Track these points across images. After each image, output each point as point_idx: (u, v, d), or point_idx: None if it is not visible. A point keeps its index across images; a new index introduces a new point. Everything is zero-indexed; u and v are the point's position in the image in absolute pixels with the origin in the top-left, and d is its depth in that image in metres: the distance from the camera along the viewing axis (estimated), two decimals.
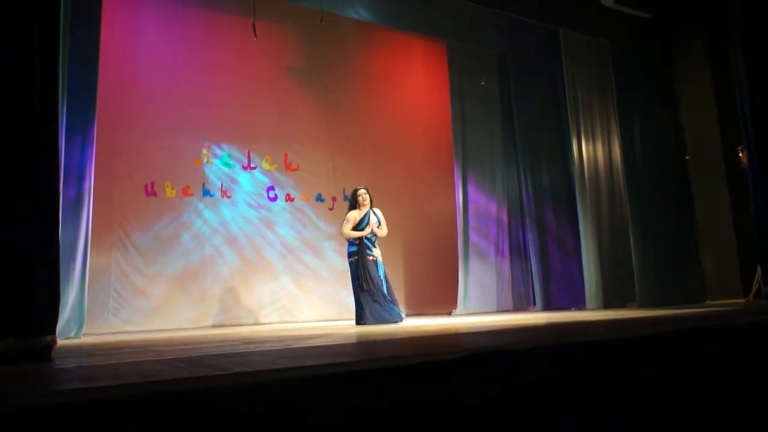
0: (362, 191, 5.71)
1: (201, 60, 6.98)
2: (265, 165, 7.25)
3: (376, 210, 5.75)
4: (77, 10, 4.92)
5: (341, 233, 5.79)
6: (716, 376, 2.31)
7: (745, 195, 5.36)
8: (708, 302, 6.77)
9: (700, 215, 7.31)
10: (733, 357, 2.41)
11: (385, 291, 5.51)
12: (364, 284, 5.45)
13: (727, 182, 7.13)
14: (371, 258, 5.55)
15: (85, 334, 5.07)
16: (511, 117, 8.10)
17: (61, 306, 3.20)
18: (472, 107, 8.16)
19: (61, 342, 3.11)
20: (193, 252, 6.65)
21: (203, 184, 6.83)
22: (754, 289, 6.29)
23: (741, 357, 2.43)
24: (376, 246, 5.66)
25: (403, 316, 5.64)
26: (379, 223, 5.68)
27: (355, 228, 5.62)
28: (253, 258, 6.99)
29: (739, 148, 6.17)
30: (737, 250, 6.99)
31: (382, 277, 5.55)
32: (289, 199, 7.35)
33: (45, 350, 2.53)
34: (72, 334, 4.86)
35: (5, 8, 2.62)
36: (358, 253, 5.56)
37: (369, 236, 5.59)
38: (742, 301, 6.58)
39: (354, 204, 5.72)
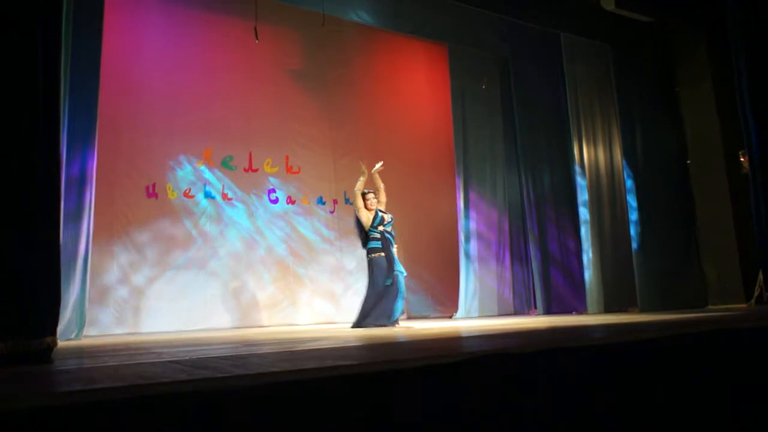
0: (371, 194, 5.62)
1: (203, 62, 6.99)
2: (267, 167, 7.26)
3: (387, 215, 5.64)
4: (79, 13, 4.93)
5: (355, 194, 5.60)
6: (718, 381, 2.30)
7: (746, 200, 5.35)
8: (709, 307, 6.75)
9: (702, 220, 7.30)
10: (735, 362, 2.40)
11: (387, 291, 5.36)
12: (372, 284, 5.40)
13: (729, 187, 7.12)
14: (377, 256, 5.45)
15: (85, 336, 5.07)
16: (512, 120, 8.11)
17: (62, 307, 3.20)
18: (474, 110, 8.17)
19: (61, 343, 3.11)
20: (194, 254, 6.65)
21: (204, 186, 6.84)
22: (756, 294, 6.29)
23: (743, 362, 2.42)
24: (393, 244, 5.54)
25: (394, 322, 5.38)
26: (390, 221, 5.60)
27: (371, 226, 5.51)
28: (253, 261, 6.99)
29: (740, 152, 6.16)
30: (739, 256, 6.97)
31: (396, 274, 5.38)
32: (290, 201, 7.35)
33: (45, 351, 2.53)
34: (73, 336, 4.86)
35: (8, 11, 2.63)
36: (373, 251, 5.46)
37: (387, 231, 5.50)
38: (743, 306, 6.57)
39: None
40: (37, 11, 2.72)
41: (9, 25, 2.63)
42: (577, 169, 7.33)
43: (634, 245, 6.88)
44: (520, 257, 8.25)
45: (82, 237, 5.02)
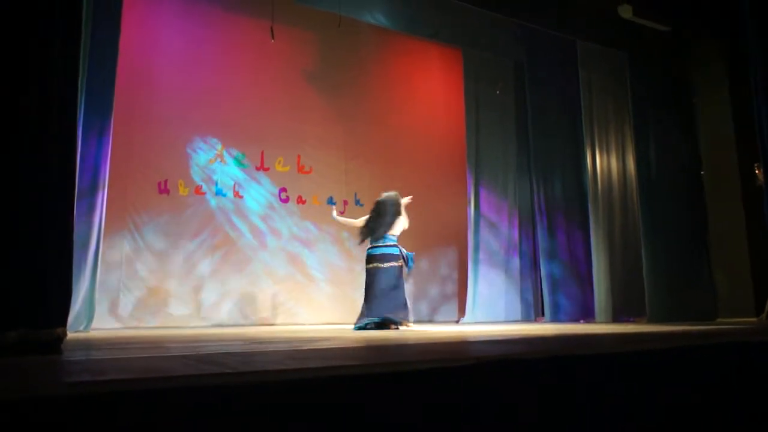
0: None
1: (218, 60, 7.04)
2: (278, 167, 7.28)
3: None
4: (98, 7, 4.98)
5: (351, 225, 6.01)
6: (726, 394, 2.28)
7: (760, 212, 5.31)
8: (719, 320, 6.68)
9: (714, 231, 7.23)
10: (744, 376, 2.38)
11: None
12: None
13: (743, 199, 7.06)
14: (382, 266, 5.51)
15: (93, 329, 5.11)
16: (525, 126, 8.08)
17: (72, 299, 3.23)
18: (487, 115, 8.16)
19: (70, 335, 3.14)
20: (203, 251, 6.69)
21: (216, 184, 6.88)
22: (767, 308, 6.22)
23: (752, 376, 2.40)
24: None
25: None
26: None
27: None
28: (262, 259, 7.01)
29: (755, 165, 6.11)
30: (751, 268, 6.90)
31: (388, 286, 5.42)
32: (300, 201, 7.37)
33: (55, 342, 2.55)
34: (81, 328, 4.90)
35: (29, 5, 2.66)
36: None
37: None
38: (754, 320, 6.50)
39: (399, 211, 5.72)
40: (57, 4, 2.76)
41: (30, 16, 2.66)
42: (589, 176, 7.29)
43: (644, 255, 6.82)
44: (528, 264, 8.21)
45: (93, 230, 5.05)
